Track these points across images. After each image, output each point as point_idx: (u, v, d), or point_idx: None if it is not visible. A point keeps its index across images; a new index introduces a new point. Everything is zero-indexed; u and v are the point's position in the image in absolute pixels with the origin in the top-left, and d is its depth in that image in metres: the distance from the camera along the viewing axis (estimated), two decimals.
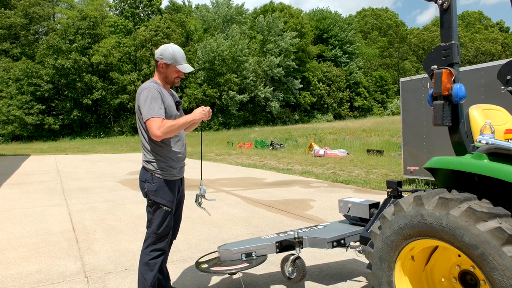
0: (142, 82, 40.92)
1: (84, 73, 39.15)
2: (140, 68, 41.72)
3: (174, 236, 2.74)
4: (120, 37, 43.90)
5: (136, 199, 7.26)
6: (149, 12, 48.80)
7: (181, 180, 2.68)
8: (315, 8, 65.78)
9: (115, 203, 6.81)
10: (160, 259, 2.50)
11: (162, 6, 50.33)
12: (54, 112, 39.37)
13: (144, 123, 2.36)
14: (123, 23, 45.29)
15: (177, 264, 3.63)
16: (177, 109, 2.58)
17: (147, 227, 2.54)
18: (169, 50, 2.44)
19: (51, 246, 4.27)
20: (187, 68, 2.48)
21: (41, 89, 37.98)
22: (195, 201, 2.72)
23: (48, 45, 38.68)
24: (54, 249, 4.16)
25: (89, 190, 8.45)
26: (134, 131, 40.94)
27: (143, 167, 2.53)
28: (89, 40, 40.47)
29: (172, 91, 2.68)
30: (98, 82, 39.97)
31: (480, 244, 1.57)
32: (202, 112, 2.44)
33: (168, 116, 2.42)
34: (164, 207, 2.47)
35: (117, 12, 48.34)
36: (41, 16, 44.46)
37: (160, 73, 2.50)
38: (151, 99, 2.34)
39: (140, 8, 48.53)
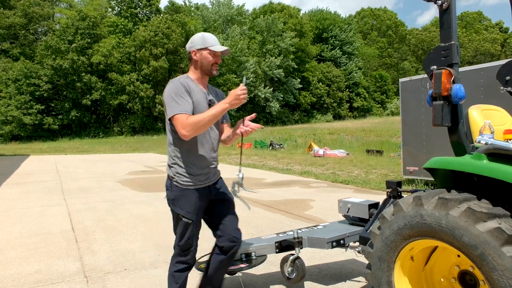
0: (142, 82, 41.19)
1: (83, 73, 39.12)
2: (140, 69, 41.70)
3: (225, 244, 2.34)
4: (120, 37, 43.90)
5: (135, 199, 7.25)
6: (148, 12, 48.79)
7: (210, 187, 2.31)
8: (315, 8, 65.81)
9: (114, 203, 6.80)
10: (186, 273, 2.30)
11: (161, 6, 50.35)
12: (53, 112, 39.34)
13: (170, 122, 2.12)
14: (122, 23, 45.28)
15: None
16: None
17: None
18: (198, 35, 2.24)
19: (51, 246, 4.27)
20: (220, 47, 2.21)
21: (40, 89, 37.95)
22: (232, 188, 2.41)
23: (47, 45, 38.65)
24: (54, 249, 4.15)
25: (88, 190, 8.44)
26: (133, 131, 40.94)
27: (167, 174, 2.29)
28: (89, 40, 40.45)
29: (212, 88, 2.40)
30: (97, 83, 39.95)
31: (480, 244, 1.57)
32: (235, 94, 2.02)
33: (196, 113, 2.11)
34: (184, 219, 2.20)
35: (115, 12, 48.31)
36: (41, 16, 44.44)
37: (195, 65, 2.23)
38: (174, 93, 2.08)
39: (138, 8, 48.52)
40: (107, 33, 43.34)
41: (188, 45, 2.26)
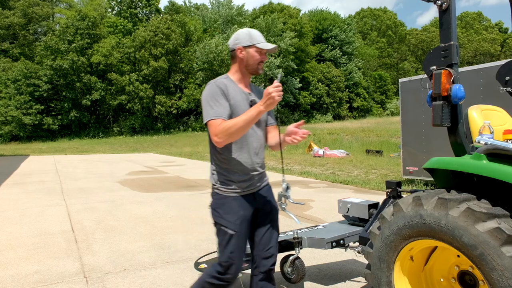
0: (141, 83, 41.20)
1: (83, 74, 39.12)
2: (140, 69, 41.70)
3: (259, 263, 2.14)
4: (119, 37, 43.89)
5: (135, 199, 7.25)
6: (148, 13, 48.77)
7: (254, 195, 2.11)
8: (314, 8, 65.83)
9: (114, 203, 6.80)
10: None
11: (161, 7, 50.35)
12: (53, 113, 39.33)
13: (206, 127, 1.97)
14: (121, 23, 45.27)
15: (176, 264, 3.63)
16: None
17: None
18: (244, 31, 2.05)
19: (50, 246, 4.27)
20: (267, 45, 2.03)
21: (40, 90, 37.93)
22: (278, 201, 2.17)
23: (46, 46, 38.64)
24: (53, 249, 4.15)
25: (88, 190, 8.44)
26: (133, 131, 40.94)
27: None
28: (88, 40, 40.45)
29: (256, 87, 2.22)
30: (97, 83, 39.95)
31: (479, 244, 1.57)
32: (267, 94, 1.78)
33: (233, 118, 1.92)
34: (225, 229, 2.00)
35: (115, 12, 48.31)
36: (40, 16, 44.43)
37: (239, 63, 2.05)
38: (210, 97, 1.94)
39: (138, 8, 48.50)
40: (106, 33, 43.34)
41: (232, 42, 2.07)
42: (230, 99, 1.97)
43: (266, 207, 2.16)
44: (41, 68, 38.41)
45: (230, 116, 1.93)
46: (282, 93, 1.81)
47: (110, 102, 40.73)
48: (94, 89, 39.78)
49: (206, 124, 1.92)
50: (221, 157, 2.03)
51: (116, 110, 42.54)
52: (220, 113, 1.90)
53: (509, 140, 2.00)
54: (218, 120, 1.88)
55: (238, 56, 2.04)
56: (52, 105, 39.58)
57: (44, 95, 38.29)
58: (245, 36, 2.03)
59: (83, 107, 40.21)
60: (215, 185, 2.08)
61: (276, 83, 1.79)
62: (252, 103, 2.04)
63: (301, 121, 2.07)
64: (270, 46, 2.03)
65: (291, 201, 2.13)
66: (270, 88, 1.78)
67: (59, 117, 39.18)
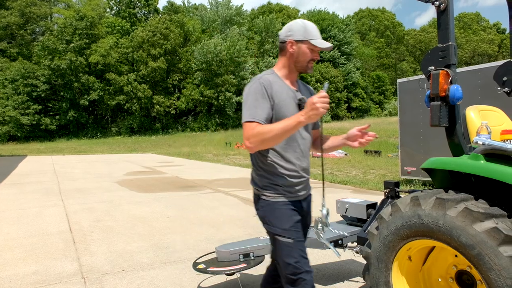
0: (140, 83, 41.17)
1: (81, 74, 39.06)
2: (138, 69, 41.65)
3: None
4: (117, 37, 43.83)
5: (133, 199, 7.24)
6: (146, 13, 48.73)
7: (301, 202, 1.94)
8: (313, 9, 65.89)
9: (112, 204, 6.79)
10: None
11: (160, 7, 50.33)
12: (50, 113, 39.25)
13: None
14: (120, 24, 45.20)
15: (174, 264, 3.63)
16: (299, 109, 1.78)
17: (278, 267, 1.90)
18: (299, 23, 1.83)
19: (48, 247, 4.25)
20: (323, 43, 1.80)
21: (38, 90, 37.86)
22: (315, 228, 1.91)
23: (43, 46, 38.55)
24: (51, 250, 4.14)
25: (86, 190, 8.42)
26: (131, 131, 40.89)
27: (253, 188, 1.96)
28: (87, 40, 40.38)
29: (304, 85, 2.03)
30: (95, 83, 39.90)
31: (477, 244, 1.57)
32: (311, 104, 1.59)
33: (278, 118, 1.76)
34: (281, 238, 1.79)
35: (113, 12, 48.25)
36: (38, 16, 44.33)
37: (288, 58, 1.85)
38: (251, 96, 1.77)
39: (137, 8, 48.45)
40: (105, 33, 43.27)
41: (283, 33, 1.86)
42: (275, 98, 1.78)
43: (306, 219, 2.00)
44: (39, 68, 38.33)
45: (271, 119, 1.76)
46: (328, 105, 1.61)
47: (108, 102, 40.67)
48: (92, 89, 39.72)
49: (242, 124, 1.77)
50: (265, 159, 1.84)
51: (114, 110, 42.49)
52: (258, 115, 1.72)
53: (507, 140, 2.01)
54: (253, 124, 1.71)
55: (288, 50, 1.84)
56: (50, 105, 39.50)
57: (42, 95, 38.22)
58: (300, 29, 1.81)
59: (81, 107, 40.14)
60: (259, 191, 1.86)
61: (323, 93, 1.60)
62: (300, 102, 1.85)
63: (366, 125, 1.94)
64: (326, 44, 1.80)
65: (331, 229, 1.87)
66: (315, 98, 1.59)
67: (57, 117, 39.11)
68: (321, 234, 1.88)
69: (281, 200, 1.84)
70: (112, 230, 4.97)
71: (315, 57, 1.85)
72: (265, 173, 1.85)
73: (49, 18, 46.92)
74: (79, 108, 39.89)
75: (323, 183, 1.98)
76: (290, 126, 1.64)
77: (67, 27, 39.69)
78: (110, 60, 40.05)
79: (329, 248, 1.88)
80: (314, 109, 1.58)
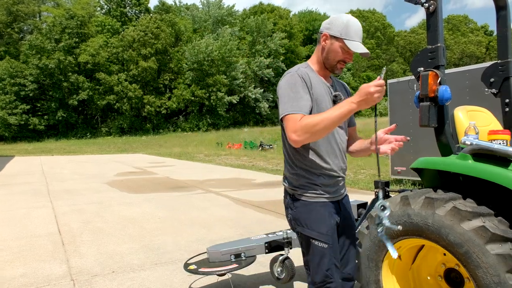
0: (130, 83, 40.82)
1: (70, 73, 38.55)
2: (128, 69, 41.28)
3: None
4: (108, 36, 43.39)
5: (123, 200, 7.18)
6: (137, 12, 48.35)
7: (339, 203, 1.83)
8: (304, 9, 66.16)
9: (102, 205, 6.72)
10: None
11: (151, 6, 49.98)
12: (39, 113, 38.68)
13: (281, 122, 1.68)
14: (110, 23, 44.76)
15: (165, 266, 3.60)
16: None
17: (307, 272, 1.79)
18: (342, 19, 1.69)
19: (36, 249, 4.19)
20: (359, 47, 1.66)
21: (26, 89, 37.27)
22: (376, 228, 1.59)
23: (31, 45, 37.96)
24: (39, 252, 4.08)
25: (75, 191, 8.31)
26: (121, 131, 40.50)
27: (285, 188, 1.84)
28: (76, 39, 39.88)
29: (338, 80, 1.92)
30: (84, 82, 39.42)
31: (465, 242, 1.60)
32: (367, 91, 1.47)
33: (315, 113, 1.65)
34: (316, 242, 1.69)
35: (104, 11, 47.76)
36: (26, 14, 43.64)
37: (320, 52, 1.75)
38: (289, 88, 1.65)
39: (128, 7, 48.04)
40: (94, 32, 42.80)
41: (324, 24, 1.75)
42: (313, 92, 1.68)
43: (348, 220, 1.88)
44: (27, 67, 37.75)
45: (311, 112, 1.65)
46: (383, 93, 1.50)
47: (98, 102, 40.23)
48: (81, 89, 39.24)
49: (281, 119, 1.63)
50: (303, 157, 1.73)
51: (104, 110, 42.05)
52: (301, 107, 1.60)
53: (494, 140, 2.04)
54: (298, 115, 1.58)
55: (320, 43, 1.74)
56: (39, 105, 38.91)
57: (30, 94, 37.63)
58: (340, 25, 1.68)
59: (70, 107, 39.63)
60: (295, 190, 1.74)
61: (380, 80, 1.49)
62: (336, 98, 1.75)
63: (393, 126, 1.81)
64: (362, 49, 1.65)
65: (389, 224, 1.53)
66: (372, 86, 1.47)
67: (46, 117, 38.55)
68: (381, 232, 1.58)
69: (320, 200, 1.73)
70: (102, 231, 4.92)
71: (347, 59, 1.72)
72: (302, 172, 1.73)
73: (37, 17, 46.21)
74: (68, 108, 39.36)
75: (379, 174, 1.82)
76: (342, 114, 1.51)
77: (56, 26, 39.14)
78: (99, 59, 39.61)
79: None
80: (369, 95, 1.47)
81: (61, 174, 11.99)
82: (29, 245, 4.32)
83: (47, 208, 6.47)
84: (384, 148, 1.78)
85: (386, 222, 1.54)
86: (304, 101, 1.62)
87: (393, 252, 1.59)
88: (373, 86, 1.47)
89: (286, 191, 1.83)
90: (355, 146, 1.98)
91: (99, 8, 48.38)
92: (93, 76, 40.49)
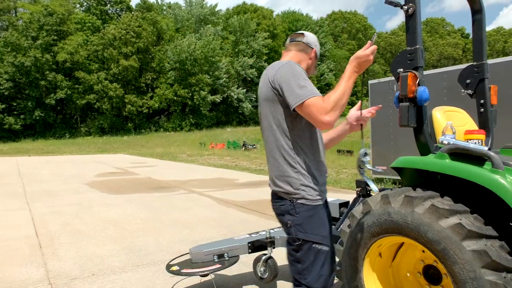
0: (111, 82, 40.02)
1: (48, 71, 37.47)
2: (109, 68, 40.48)
3: None
4: (88, 34, 42.41)
5: (104, 201, 7.03)
6: (118, 10, 47.46)
7: (326, 203, 1.80)
8: (287, 10, 66.52)
9: (81, 206, 6.57)
10: None
11: (133, 4, 49.15)
12: (15, 112, 37.43)
13: (298, 107, 1.56)
14: (90, 20, 43.77)
15: (147, 267, 3.55)
16: None
17: (294, 283, 1.69)
18: (312, 34, 1.91)
19: (12, 252, 4.05)
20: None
21: (1, 87, 36.02)
22: (360, 170, 1.88)
23: (6, 41, 36.70)
24: (15, 255, 3.95)
25: (54, 193, 8.09)
26: (102, 131, 39.68)
27: (275, 192, 1.72)
28: (55, 37, 38.79)
29: None
30: (63, 81, 38.40)
31: (442, 239, 1.64)
32: (364, 55, 1.62)
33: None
34: (318, 246, 1.63)
35: (84, 8, 46.66)
36: (1, 10, 42.15)
37: (304, 62, 1.84)
38: (299, 75, 1.60)
39: (108, 5, 47.09)
40: (74, 30, 41.75)
41: (313, 40, 1.89)
42: None
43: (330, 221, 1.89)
44: (2, 64, 36.46)
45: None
46: (373, 55, 1.64)
47: (77, 101, 39.28)
48: (59, 88, 38.19)
49: (304, 102, 1.53)
50: (305, 155, 1.66)
51: (84, 110, 41.10)
52: (316, 90, 1.57)
53: (470, 140, 2.11)
54: (318, 98, 1.54)
55: (310, 55, 1.87)
56: (15, 104, 37.66)
57: (5, 93, 36.38)
58: (317, 46, 1.91)
59: (48, 106, 38.54)
60: (298, 193, 1.64)
61: (371, 44, 1.66)
62: None
63: (378, 106, 1.95)
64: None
65: (369, 167, 1.86)
66: (367, 51, 1.63)
67: (22, 116, 37.36)
68: (362, 172, 1.87)
69: (320, 203, 1.68)
70: (81, 233, 4.81)
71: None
72: (305, 171, 1.65)
73: (12, 13, 44.70)
74: (45, 107, 38.26)
75: (362, 129, 2.02)
76: (353, 82, 1.60)
77: (33, 23, 37.96)
78: (78, 58, 38.66)
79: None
80: (366, 58, 1.62)
81: (38, 175, 11.65)
82: (4, 249, 4.17)
83: (23, 210, 6.27)
84: (364, 113, 1.94)
85: (368, 165, 1.84)
86: (313, 86, 1.60)
87: (374, 187, 1.88)
88: (369, 50, 1.62)
89: (279, 196, 1.68)
90: (329, 136, 2.07)
91: (78, 5, 47.22)
92: (72, 75, 39.48)
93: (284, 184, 1.66)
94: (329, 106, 1.52)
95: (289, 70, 1.62)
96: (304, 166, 1.66)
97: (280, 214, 1.70)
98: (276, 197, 1.71)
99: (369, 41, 1.68)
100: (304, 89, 1.56)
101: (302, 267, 1.64)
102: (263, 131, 1.74)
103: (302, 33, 1.90)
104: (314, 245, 1.63)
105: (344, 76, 1.61)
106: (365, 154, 1.86)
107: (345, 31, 72.77)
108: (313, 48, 1.87)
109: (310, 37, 1.89)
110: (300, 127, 1.66)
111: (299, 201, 1.64)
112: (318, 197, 1.67)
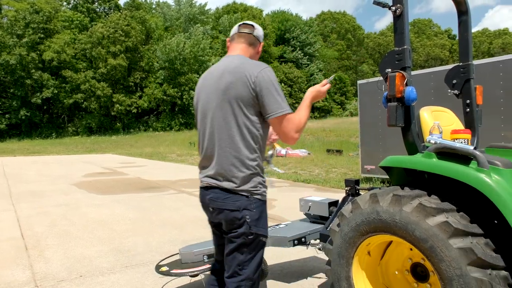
0: (98, 81, 39.47)
1: (34, 70, 36.76)
2: (97, 66, 39.92)
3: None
4: (75, 32, 41.75)
5: (92, 202, 6.94)
6: (107, 8, 46.85)
7: None
8: (277, 9, 66.67)
9: (69, 207, 6.47)
10: None
11: (121, 2, 48.60)
12: None
13: (273, 119, 1.65)
14: (78, 18, 43.10)
15: (136, 268, 3.52)
16: None
17: (232, 275, 1.72)
18: (263, 32, 1.96)
19: None
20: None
21: None
22: (267, 162, 2.08)
23: None
24: (0, 258, 3.87)
25: (40, 193, 7.95)
26: (89, 131, 39.13)
27: (232, 190, 1.70)
28: (41, 35, 38.07)
29: None
30: (49, 80, 37.71)
31: (429, 237, 1.66)
32: (322, 91, 1.86)
33: None
34: (264, 239, 1.75)
35: (70, 6, 45.92)
36: None
37: (255, 55, 1.90)
38: (278, 85, 1.69)
39: (96, 3, 46.45)
40: (61, 28, 41.04)
41: (261, 34, 1.92)
42: None
43: None
44: None
45: None
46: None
47: (65, 100, 38.63)
48: (46, 87, 37.50)
49: (283, 115, 1.64)
50: (260, 154, 1.75)
51: (71, 109, 40.45)
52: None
53: (456, 139, 2.14)
54: (292, 115, 1.68)
55: (258, 49, 1.92)
56: None
57: None
58: (262, 33, 1.95)
59: (34, 106, 37.80)
60: (257, 190, 1.71)
61: (327, 83, 1.92)
62: None
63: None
64: None
65: (272, 166, 2.16)
66: (324, 87, 1.89)
67: (7, 116, 36.58)
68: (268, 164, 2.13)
69: (266, 199, 1.79)
70: (69, 234, 4.73)
71: None
72: (260, 170, 1.75)
73: None
74: (31, 106, 37.51)
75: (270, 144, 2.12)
76: (310, 109, 1.80)
77: (18, 21, 37.19)
78: (65, 57, 38.00)
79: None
80: (321, 93, 1.89)
81: (24, 175, 11.43)
82: None
83: (9, 212, 6.15)
84: (272, 136, 2.05)
85: (271, 160, 2.16)
86: None
87: (278, 170, 1.93)
88: (325, 88, 1.89)
89: (232, 192, 1.69)
90: None
91: (65, 3, 46.45)
92: (59, 74, 38.82)
93: (242, 182, 1.69)
94: (300, 125, 1.70)
95: (272, 77, 1.68)
96: (260, 166, 1.75)
97: (234, 210, 1.69)
98: (228, 193, 1.70)
99: (326, 80, 1.95)
100: (284, 101, 1.66)
101: (245, 259, 1.70)
102: (219, 128, 1.71)
103: (252, 25, 1.89)
104: (262, 238, 1.73)
105: (304, 104, 1.79)
106: (271, 155, 2.18)
107: (334, 31, 73.21)
108: (261, 42, 1.92)
109: (259, 30, 1.91)
110: (263, 132, 1.74)
111: (256, 197, 1.70)
112: (266, 194, 1.78)
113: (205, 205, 1.83)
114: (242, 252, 1.70)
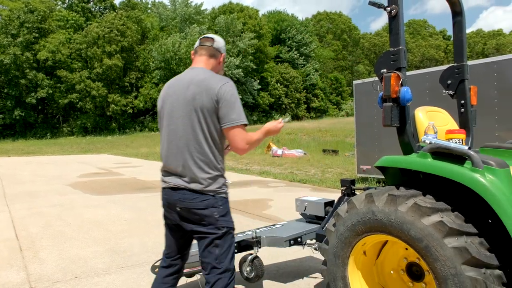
0: (94, 81, 39.26)
1: (28, 70, 36.48)
2: (92, 66, 39.71)
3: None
4: (70, 32, 41.50)
5: (87, 202, 6.90)
6: (102, 8, 46.63)
7: None
8: (273, 10, 66.70)
9: (64, 208, 6.43)
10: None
11: (116, 2, 48.38)
12: None
13: (228, 128, 1.83)
14: (73, 18, 42.85)
15: (132, 268, 3.51)
16: None
17: (209, 271, 1.89)
18: (224, 43, 2.09)
19: None
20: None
21: None
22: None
23: None
24: None
25: (35, 194, 7.90)
26: (85, 131, 38.92)
27: (199, 191, 1.85)
28: (36, 34, 37.80)
29: None
30: (44, 80, 37.44)
31: (424, 237, 1.67)
32: (278, 127, 2.10)
33: None
34: (233, 231, 1.95)
35: (65, 6, 45.65)
36: None
37: (216, 66, 2.03)
38: (237, 97, 1.88)
39: (91, 3, 46.22)
40: (56, 27, 40.78)
41: (222, 45, 2.07)
42: None
43: None
44: None
45: None
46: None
47: (60, 100, 38.38)
48: (40, 87, 37.23)
49: (236, 126, 1.82)
50: (221, 156, 1.94)
51: (66, 109, 40.19)
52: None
53: (451, 139, 2.16)
54: (244, 128, 1.87)
55: (219, 60, 2.06)
56: None
57: None
58: (225, 49, 2.09)
59: (29, 106, 37.53)
60: (220, 189, 1.89)
61: (282, 122, 2.14)
62: None
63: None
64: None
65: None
66: (278, 125, 2.11)
67: (1, 116, 36.28)
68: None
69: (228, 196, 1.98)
70: (64, 235, 4.71)
71: None
72: (223, 172, 1.95)
73: None
74: (26, 106, 37.23)
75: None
76: (264, 137, 1.99)
77: (13, 20, 36.90)
78: (60, 57, 37.76)
79: None
80: (276, 129, 2.09)
81: (19, 176, 11.35)
82: None
83: (3, 212, 6.10)
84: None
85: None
86: None
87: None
88: (280, 125, 2.11)
89: (200, 192, 1.84)
90: None
91: (60, 3, 46.17)
92: (54, 74, 38.55)
93: (209, 184, 1.86)
94: (252, 139, 1.88)
95: (232, 91, 1.86)
96: (223, 168, 1.95)
97: (202, 208, 1.84)
98: (196, 193, 1.85)
99: (281, 119, 2.17)
100: (241, 114, 1.84)
101: (220, 252, 1.86)
102: (187, 134, 1.86)
103: (212, 38, 2.05)
104: (232, 231, 1.93)
105: (259, 131, 2.01)
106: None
107: (330, 31, 73.39)
108: (222, 53, 2.06)
109: (219, 42, 2.06)
110: (224, 138, 1.93)
111: (221, 195, 1.89)
112: (228, 192, 1.96)
113: (170, 205, 1.94)
114: (217, 245, 1.86)
